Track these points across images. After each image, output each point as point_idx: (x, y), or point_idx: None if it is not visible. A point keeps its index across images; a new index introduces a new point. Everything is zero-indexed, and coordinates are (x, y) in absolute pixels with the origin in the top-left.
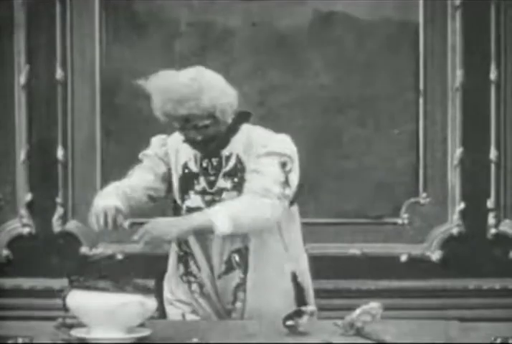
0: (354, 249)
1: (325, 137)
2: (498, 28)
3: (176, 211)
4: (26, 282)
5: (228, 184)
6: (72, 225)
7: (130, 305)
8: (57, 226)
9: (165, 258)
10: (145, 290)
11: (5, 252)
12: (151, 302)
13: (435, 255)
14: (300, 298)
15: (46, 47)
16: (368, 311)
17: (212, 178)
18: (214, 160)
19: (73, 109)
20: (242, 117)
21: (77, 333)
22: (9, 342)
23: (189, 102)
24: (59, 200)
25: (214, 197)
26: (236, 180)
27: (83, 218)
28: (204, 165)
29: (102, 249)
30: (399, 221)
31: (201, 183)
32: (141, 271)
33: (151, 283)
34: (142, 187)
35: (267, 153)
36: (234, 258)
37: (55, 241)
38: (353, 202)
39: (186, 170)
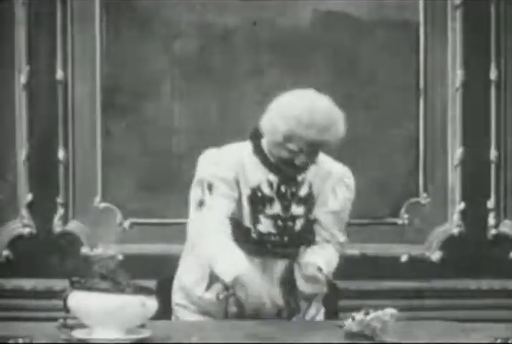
0: (354, 250)
1: None
2: (498, 28)
3: (241, 232)
4: (26, 283)
5: (301, 210)
6: (72, 225)
7: (130, 306)
8: (57, 227)
9: (165, 259)
10: (145, 291)
11: (5, 252)
12: (152, 303)
13: (435, 255)
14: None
15: (47, 47)
16: (380, 317)
17: (286, 204)
18: (293, 186)
19: (73, 109)
20: None
21: (77, 334)
22: (10, 342)
23: (332, 129)
24: (59, 200)
25: (287, 223)
26: (307, 206)
27: (84, 218)
28: (283, 190)
29: (102, 250)
30: (399, 221)
31: (275, 208)
32: (141, 271)
33: (151, 284)
34: (229, 217)
35: (349, 199)
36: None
37: (56, 242)
38: (353, 202)
39: (259, 194)
